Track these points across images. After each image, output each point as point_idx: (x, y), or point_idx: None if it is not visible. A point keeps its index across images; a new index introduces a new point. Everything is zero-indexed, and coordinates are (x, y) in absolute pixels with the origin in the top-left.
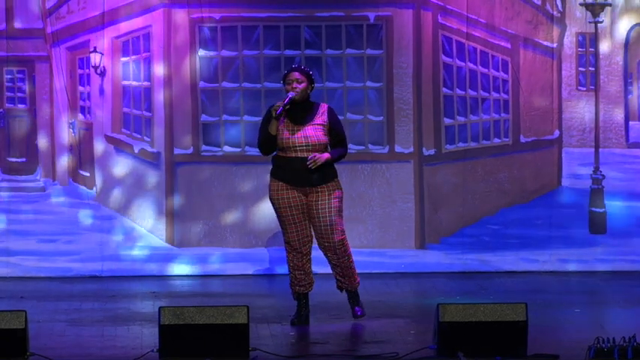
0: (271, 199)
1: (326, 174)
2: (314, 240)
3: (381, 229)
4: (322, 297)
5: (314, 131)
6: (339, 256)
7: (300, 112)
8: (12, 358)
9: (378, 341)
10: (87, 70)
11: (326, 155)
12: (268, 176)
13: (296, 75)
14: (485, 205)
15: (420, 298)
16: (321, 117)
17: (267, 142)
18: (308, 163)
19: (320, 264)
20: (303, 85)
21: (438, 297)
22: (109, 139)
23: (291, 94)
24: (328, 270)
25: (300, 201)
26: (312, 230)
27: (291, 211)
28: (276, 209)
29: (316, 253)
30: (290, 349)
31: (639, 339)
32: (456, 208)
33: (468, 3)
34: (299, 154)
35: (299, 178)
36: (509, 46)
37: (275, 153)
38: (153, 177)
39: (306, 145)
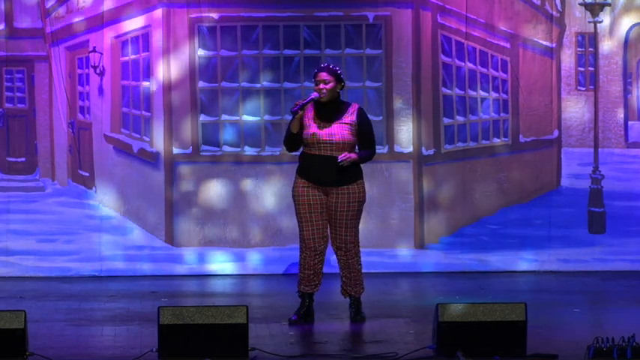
0: (292, 196)
1: (348, 175)
2: (329, 240)
3: (380, 229)
4: (322, 297)
5: (340, 130)
6: (349, 257)
7: (329, 110)
8: (11, 358)
9: (378, 341)
10: (86, 70)
11: (354, 155)
12: (266, 175)
13: (323, 75)
14: (484, 204)
15: (420, 297)
16: (350, 116)
17: (288, 139)
18: (339, 161)
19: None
20: (331, 85)
21: (437, 297)
22: (108, 139)
23: (313, 95)
24: (329, 270)
25: (320, 200)
26: (328, 230)
27: (309, 209)
28: (295, 206)
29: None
30: (289, 349)
31: (638, 339)
32: (455, 207)
33: (467, 3)
34: (322, 153)
35: (321, 177)
36: (508, 45)
37: (302, 150)
38: (152, 177)
39: (330, 144)
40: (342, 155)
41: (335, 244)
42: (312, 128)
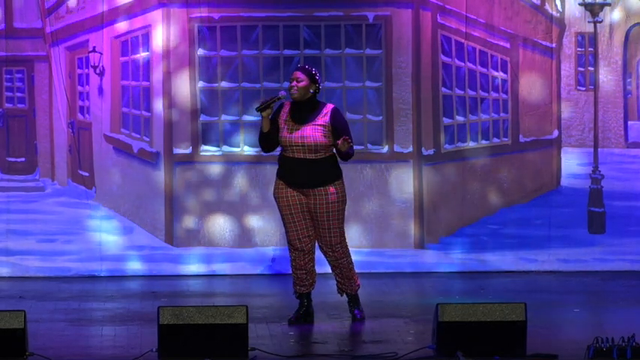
0: (274, 198)
1: (325, 176)
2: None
3: (380, 228)
4: (322, 297)
5: (312, 131)
6: (337, 257)
7: (302, 111)
8: (11, 358)
9: (378, 341)
10: (86, 70)
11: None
12: (266, 175)
13: (297, 74)
14: (484, 204)
15: (420, 297)
16: (323, 118)
17: (261, 139)
18: (339, 143)
19: (320, 263)
20: (303, 84)
21: (437, 297)
22: (108, 139)
23: (280, 93)
24: (328, 269)
25: (300, 200)
26: (313, 229)
27: (289, 210)
28: (277, 208)
29: (318, 252)
30: (289, 349)
31: (638, 339)
32: (455, 207)
33: (467, 3)
34: (296, 155)
35: (296, 179)
36: (508, 45)
37: (280, 152)
38: (152, 177)
39: (302, 146)
40: (341, 140)
41: (321, 246)
42: (284, 131)
